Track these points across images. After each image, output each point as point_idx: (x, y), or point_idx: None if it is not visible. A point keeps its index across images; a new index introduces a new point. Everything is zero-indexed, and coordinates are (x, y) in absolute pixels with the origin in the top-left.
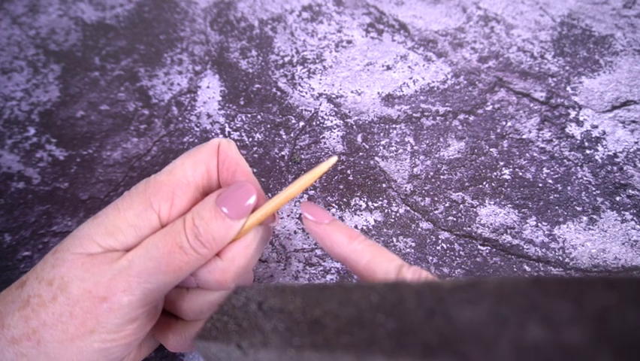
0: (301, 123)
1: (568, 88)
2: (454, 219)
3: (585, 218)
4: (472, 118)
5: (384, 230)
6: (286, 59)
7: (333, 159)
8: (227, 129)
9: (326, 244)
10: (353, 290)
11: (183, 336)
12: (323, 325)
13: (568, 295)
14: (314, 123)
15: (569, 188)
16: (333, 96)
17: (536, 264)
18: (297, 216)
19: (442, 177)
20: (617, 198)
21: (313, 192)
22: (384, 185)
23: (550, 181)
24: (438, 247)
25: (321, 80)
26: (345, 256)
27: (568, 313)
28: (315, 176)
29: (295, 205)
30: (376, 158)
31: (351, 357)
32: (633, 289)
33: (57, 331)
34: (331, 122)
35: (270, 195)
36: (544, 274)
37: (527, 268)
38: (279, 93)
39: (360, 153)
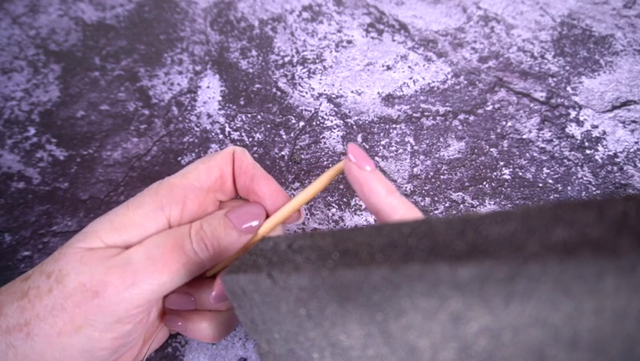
0: (301, 123)
1: (568, 88)
2: None
3: None
4: (472, 118)
5: None
6: (286, 59)
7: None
8: (227, 129)
9: (364, 191)
10: (383, 227)
11: (218, 322)
12: (356, 251)
13: (590, 207)
14: (314, 123)
15: (569, 188)
16: (333, 96)
17: None
18: None
19: (442, 177)
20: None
21: None
22: None
23: (550, 181)
24: None
25: (321, 80)
26: (379, 208)
27: (591, 218)
28: (338, 170)
29: None
30: (376, 158)
31: (386, 269)
32: None
33: (46, 325)
34: (331, 122)
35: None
36: None
37: None
38: (279, 93)
39: None
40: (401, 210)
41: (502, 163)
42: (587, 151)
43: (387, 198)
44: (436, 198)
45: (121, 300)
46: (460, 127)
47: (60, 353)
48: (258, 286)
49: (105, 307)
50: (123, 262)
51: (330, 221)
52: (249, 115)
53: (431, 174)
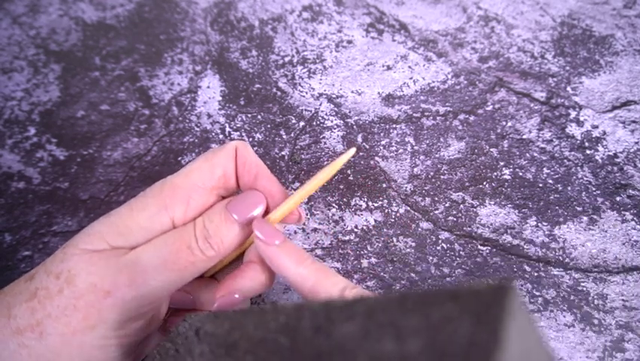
0: (301, 123)
1: (568, 88)
2: (454, 219)
3: (585, 218)
4: (472, 118)
5: (385, 230)
6: (286, 59)
7: (352, 151)
8: (227, 129)
9: (274, 266)
10: (268, 313)
11: None
12: (237, 346)
13: (422, 308)
14: (314, 123)
15: (569, 188)
16: (334, 96)
17: (536, 264)
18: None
19: (442, 177)
20: (618, 199)
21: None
22: (384, 185)
23: (550, 181)
24: (438, 247)
25: (321, 80)
26: (291, 280)
27: (415, 325)
28: (335, 169)
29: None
30: (376, 158)
31: None
32: (472, 301)
33: (60, 324)
34: (331, 122)
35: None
36: (544, 274)
37: (527, 269)
38: (279, 93)
39: (361, 153)
40: (312, 278)
41: (502, 163)
42: (587, 151)
43: (297, 269)
44: (436, 198)
45: (132, 298)
46: (460, 127)
47: (76, 350)
48: None
49: (118, 306)
50: (132, 261)
51: (330, 221)
52: (249, 115)
53: (431, 174)
